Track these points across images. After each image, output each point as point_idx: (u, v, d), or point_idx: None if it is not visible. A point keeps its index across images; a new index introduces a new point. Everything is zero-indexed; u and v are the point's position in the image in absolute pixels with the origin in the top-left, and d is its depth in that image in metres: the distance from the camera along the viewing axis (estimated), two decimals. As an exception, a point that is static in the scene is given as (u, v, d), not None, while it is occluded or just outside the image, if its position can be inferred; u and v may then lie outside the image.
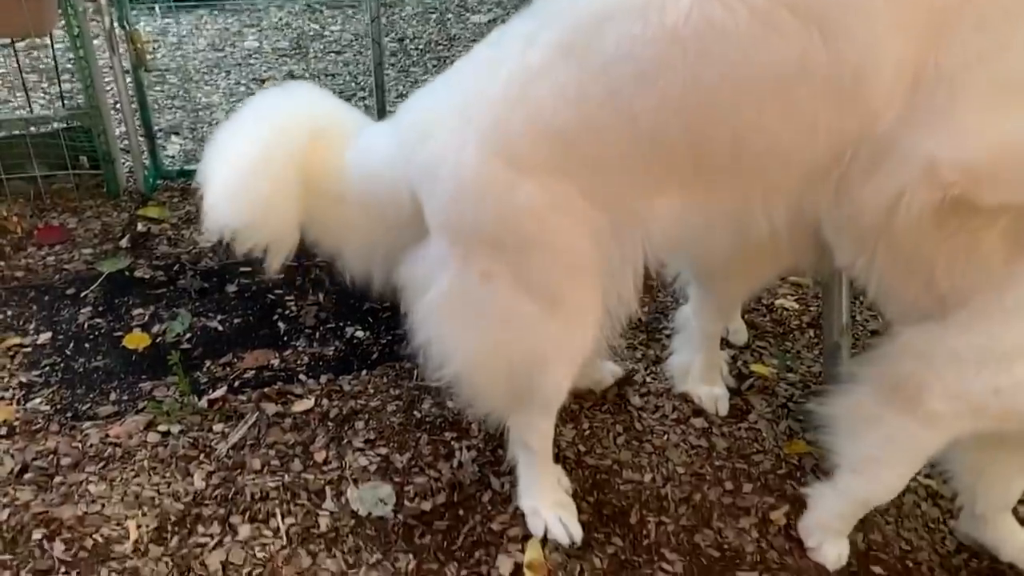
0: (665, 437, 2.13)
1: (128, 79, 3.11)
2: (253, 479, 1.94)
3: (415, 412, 2.16)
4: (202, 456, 2.00)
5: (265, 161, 1.65)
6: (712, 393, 2.22)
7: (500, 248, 1.56)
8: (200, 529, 1.81)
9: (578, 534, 1.82)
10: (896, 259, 1.57)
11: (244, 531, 1.81)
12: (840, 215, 1.56)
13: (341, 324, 2.48)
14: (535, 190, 1.50)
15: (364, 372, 2.30)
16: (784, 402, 2.25)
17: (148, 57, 3.40)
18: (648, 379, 2.33)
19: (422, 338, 1.71)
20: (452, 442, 2.08)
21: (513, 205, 1.51)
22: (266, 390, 2.21)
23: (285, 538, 1.80)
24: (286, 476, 1.95)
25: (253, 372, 2.29)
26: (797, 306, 2.63)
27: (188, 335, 2.42)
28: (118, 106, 3.19)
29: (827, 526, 1.82)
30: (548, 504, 1.86)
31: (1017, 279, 1.48)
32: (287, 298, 2.59)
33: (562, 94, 1.45)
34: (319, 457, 2.01)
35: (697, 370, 2.25)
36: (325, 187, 1.73)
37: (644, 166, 1.50)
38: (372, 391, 2.23)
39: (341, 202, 1.75)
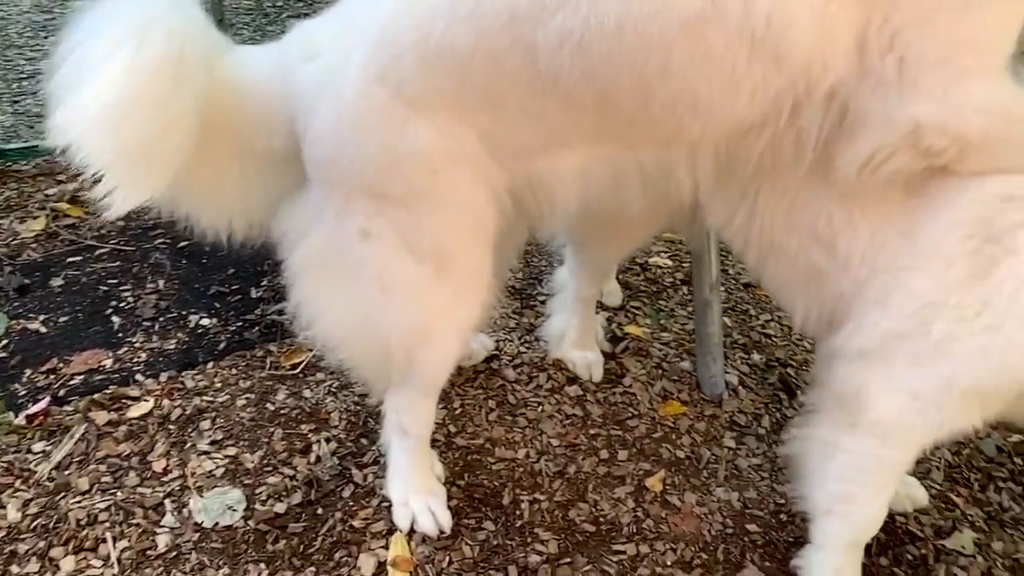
0: (539, 409, 2.03)
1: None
2: (79, 502, 1.71)
3: (268, 405, 1.98)
4: (18, 483, 1.75)
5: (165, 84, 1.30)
6: (586, 359, 2.14)
7: (383, 200, 1.37)
8: (15, 570, 1.58)
9: (447, 523, 1.71)
10: (779, 202, 1.45)
11: (67, 564, 1.59)
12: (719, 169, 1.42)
13: (184, 312, 2.25)
14: (428, 133, 1.31)
15: (210, 364, 2.09)
16: (659, 363, 2.19)
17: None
18: (522, 349, 2.22)
19: (293, 300, 1.53)
20: (309, 435, 1.91)
21: (400, 148, 1.32)
22: (96, 396, 1.97)
23: (116, 566, 1.60)
24: (119, 493, 1.74)
25: (82, 377, 2.04)
26: (670, 263, 2.58)
27: (4, 341, 2.14)
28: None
29: None
30: (418, 492, 1.73)
31: (923, 214, 1.33)
32: (122, 288, 2.33)
33: (456, 5, 1.26)
34: (158, 467, 1.81)
35: (572, 335, 2.16)
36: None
37: (547, 111, 1.32)
38: (219, 385, 2.03)
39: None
